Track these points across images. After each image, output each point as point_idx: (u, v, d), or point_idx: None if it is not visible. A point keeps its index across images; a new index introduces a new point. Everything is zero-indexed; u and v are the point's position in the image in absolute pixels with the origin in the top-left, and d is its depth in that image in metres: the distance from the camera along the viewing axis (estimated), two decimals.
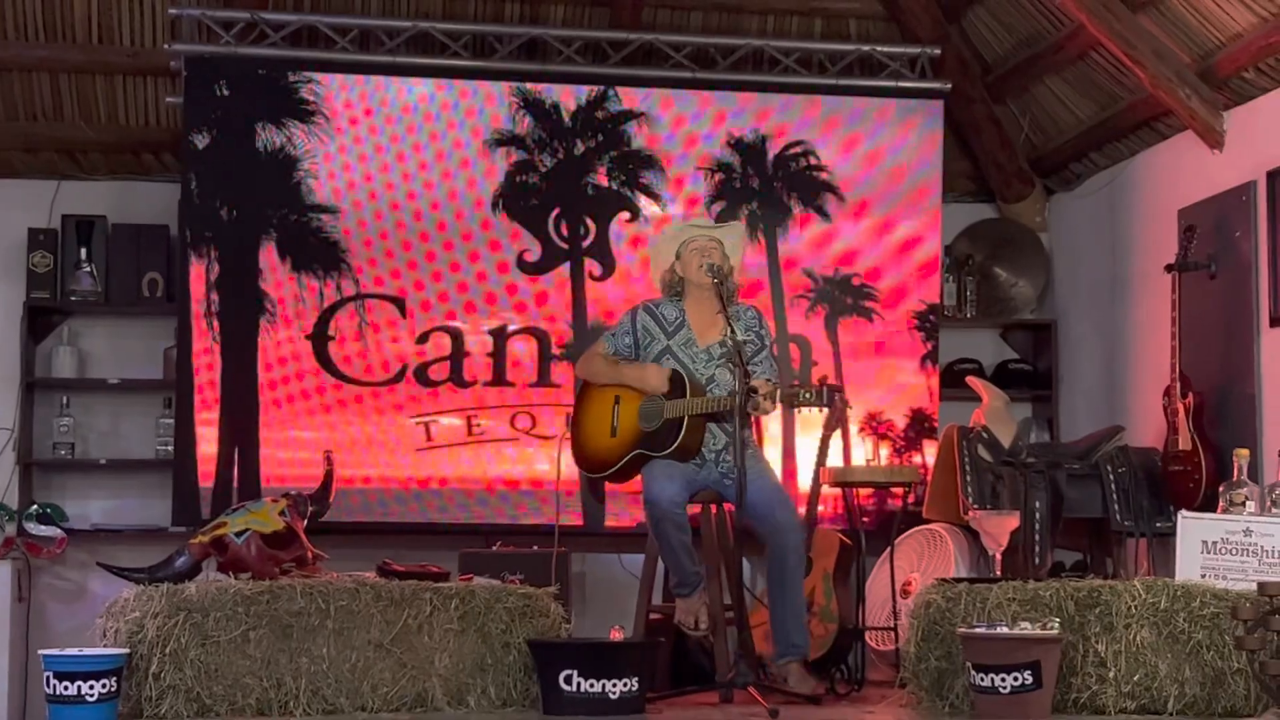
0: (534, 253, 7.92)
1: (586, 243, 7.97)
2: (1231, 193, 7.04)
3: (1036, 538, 6.80)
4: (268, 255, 7.71)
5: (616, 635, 5.79)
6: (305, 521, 5.73)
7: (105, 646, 5.31)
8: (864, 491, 7.47)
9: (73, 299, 7.99)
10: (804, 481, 7.50)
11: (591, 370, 6.42)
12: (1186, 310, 6.96)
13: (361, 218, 7.78)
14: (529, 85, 7.93)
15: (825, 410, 6.37)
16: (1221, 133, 7.16)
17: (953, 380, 8.22)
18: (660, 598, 6.48)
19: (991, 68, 8.47)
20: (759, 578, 6.39)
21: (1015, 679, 5.25)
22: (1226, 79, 7.04)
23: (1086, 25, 7.31)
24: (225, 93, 7.71)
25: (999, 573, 5.94)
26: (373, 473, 7.72)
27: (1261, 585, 5.11)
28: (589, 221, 7.98)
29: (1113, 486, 6.97)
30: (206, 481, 7.59)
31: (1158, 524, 6.89)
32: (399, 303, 7.81)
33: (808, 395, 5.94)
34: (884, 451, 8.03)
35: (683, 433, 6.06)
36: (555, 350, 7.89)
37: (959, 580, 5.91)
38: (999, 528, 6.00)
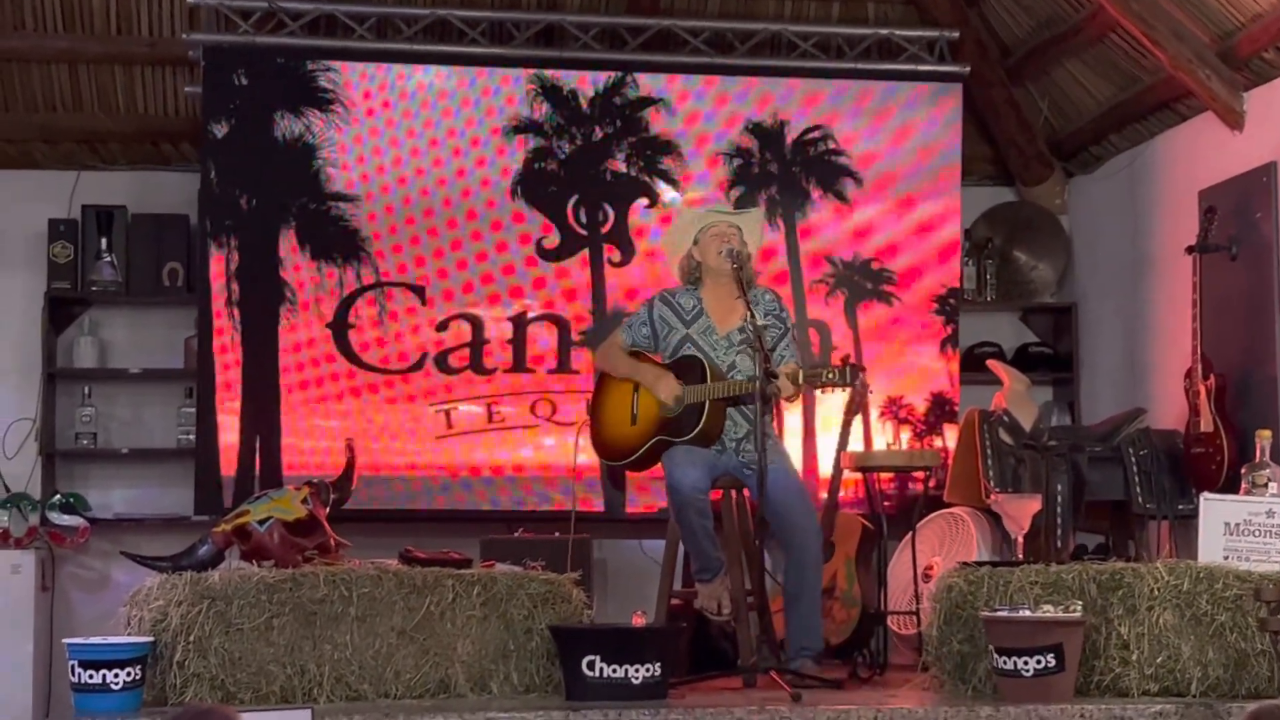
0: (553, 239, 7.92)
1: (605, 229, 7.96)
2: (1252, 174, 7.01)
3: (1058, 521, 6.79)
4: (288, 244, 7.72)
5: (638, 621, 5.79)
6: (327, 509, 5.74)
7: (129, 635, 5.33)
8: (885, 476, 7.47)
9: (93, 289, 8.00)
10: (825, 466, 7.50)
11: (611, 364, 6.41)
12: (1208, 292, 6.94)
13: (381, 205, 7.79)
14: (547, 72, 7.92)
15: (848, 390, 6.36)
16: (1242, 113, 7.13)
17: (973, 364, 8.20)
18: (681, 583, 6.49)
19: (1010, 50, 8.44)
20: (780, 562, 6.39)
21: (1038, 662, 5.25)
22: (1247, 60, 7.01)
23: (1105, 6, 7.28)
24: (244, 82, 7.71)
25: (1021, 556, 5.94)
26: (394, 460, 7.73)
27: None
28: (607, 207, 7.97)
29: (1134, 469, 6.95)
30: (228, 470, 7.62)
31: (1180, 506, 6.88)
32: (419, 290, 7.81)
33: (831, 375, 5.93)
34: (904, 435, 8.02)
35: (704, 418, 6.05)
36: (575, 337, 7.89)
37: (981, 564, 5.91)
38: (1021, 511, 6.00)
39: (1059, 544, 6.76)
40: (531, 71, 7.91)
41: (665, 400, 6.14)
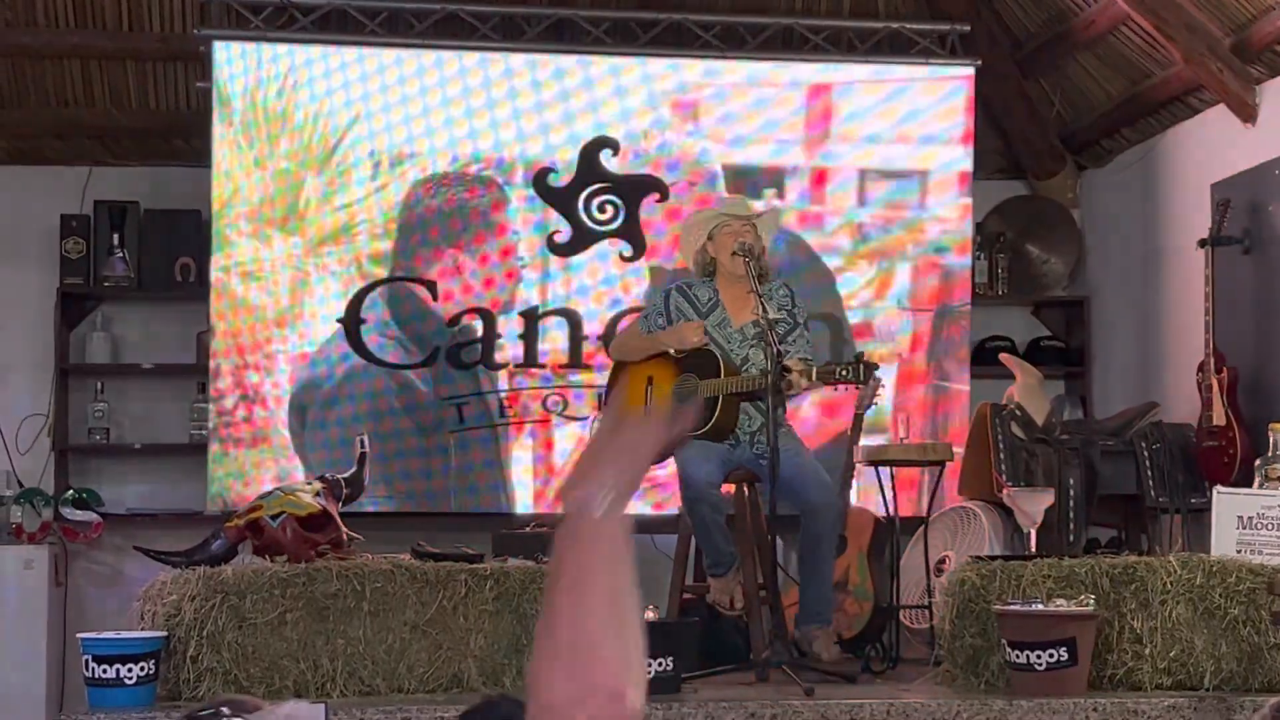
0: (564, 234, 7.92)
1: (616, 224, 7.96)
2: (1265, 166, 7.00)
3: (1071, 515, 6.79)
4: (299, 239, 7.72)
5: (650, 615, 5.79)
6: (340, 504, 5.75)
7: (143, 630, 5.34)
8: (897, 469, 7.45)
9: (106, 285, 8.01)
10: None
11: (626, 347, 6.42)
12: (1220, 285, 6.93)
13: (392, 200, 7.79)
14: (558, 66, 7.91)
15: (861, 386, 6.36)
16: (1255, 106, 7.11)
17: (985, 358, 8.20)
18: (693, 577, 6.49)
19: (1021, 44, 8.43)
20: (793, 557, 6.40)
21: (1051, 656, 5.25)
22: (1260, 52, 6.99)
23: None
24: (255, 77, 7.71)
25: (1033, 550, 5.93)
26: (405, 455, 7.73)
27: None
28: (619, 202, 7.97)
29: (1147, 463, 6.95)
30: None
31: (1192, 500, 6.87)
32: (430, 285, 7.82)
33: (844, 372, 5.93)
34: (916, 429, 7.99)
35: (717, 412, 6.06)
36: (586, 332, 7.89)
37: (993, 557, 5.90)
38: (1033, 505, 5.99)
39: (1071, 538, 6.76)
40: (542, 65, 7.90)
41: (695, 342, 6.15)
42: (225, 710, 2.15)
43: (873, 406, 7.11)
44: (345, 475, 5.90)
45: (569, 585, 1.87)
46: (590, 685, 1.79)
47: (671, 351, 6.32)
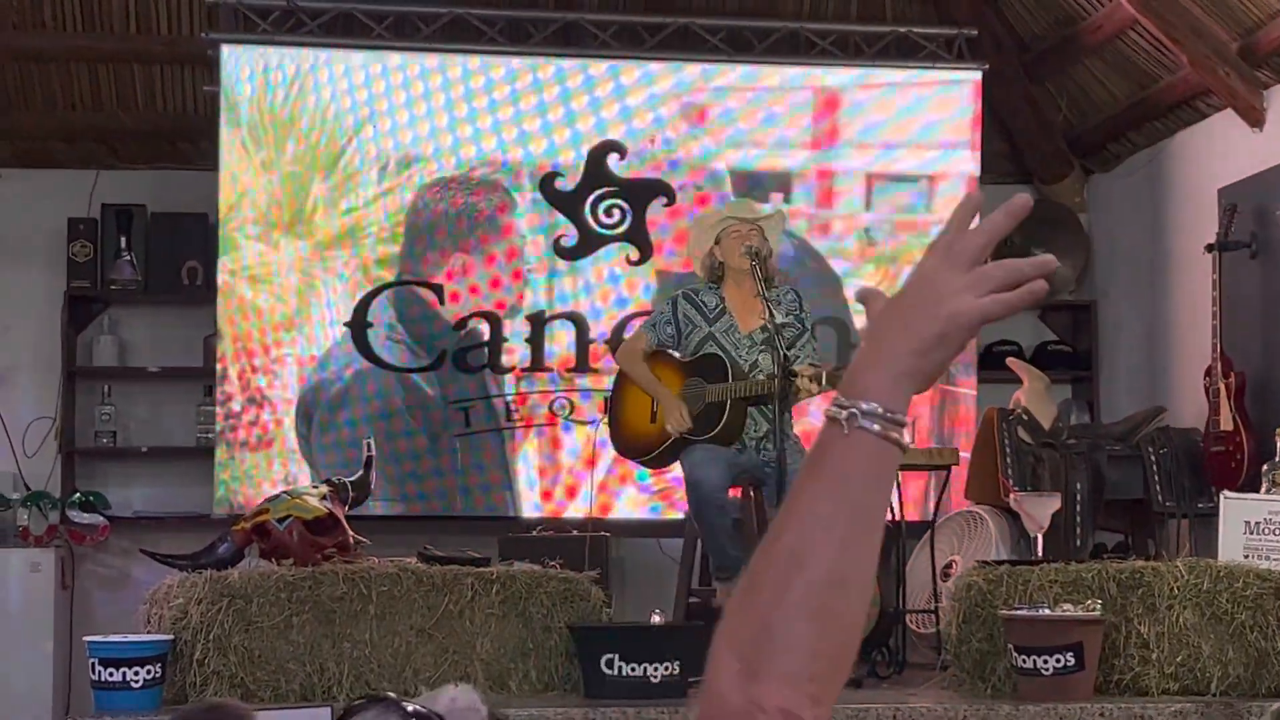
0: (571, 237, 7.91)
1: (623, 228, 7.96)
2: (1272, 171, 7.00)
3: (1078, 519, 6.78)
4: (306, 243, 7.72)
5: (657, 619, 5.79)
6: (346, 507, 5.75)
7: (149, 633, 5.35)
8: (904, 474, 7.45)
9: (113, 288, 8.02)
10: None
11: (633, 371, 6.40)
12: (1227, 290, 6.93)
13: (398, 203, 7.79)
14: (565, 69, 7.92)
15: None
16: (1262, 111, 7.11)
17: (991, 362, 8.18)
18: (699, 581, 6.49)
19: (1028, 47, 8.42)
20: None
21: (1057, 661, 5.24)
22: (1267, 56, 6.99)
23: (1124, 3, 7.26)
24: (261, 81, 7.72)
25: (1040, 554, 5.93)
26: (412, 458, 7.73)
27: None
28: (626, 206, 7.97)
29: (1154, 467, 6.94)
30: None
31: (1199, 505, 6.87)
32: (437, 289, 7.82)
33: None
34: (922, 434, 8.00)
35: (725, 416, 6.06)
36: (593, 335, 7.89)
37: (1000, 562, 5.90)
38: (1040, 509, 5.98)
39: (1078, 542, 6.75)
40: (549, 69, 7.91)
41: (668, 429, 6.16)
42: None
43: None
44: (352, 478, 5.91)
45: (792, 543, 1.50)
46: (755, 701, 1.47)
47: (677, 355, 6.32)
